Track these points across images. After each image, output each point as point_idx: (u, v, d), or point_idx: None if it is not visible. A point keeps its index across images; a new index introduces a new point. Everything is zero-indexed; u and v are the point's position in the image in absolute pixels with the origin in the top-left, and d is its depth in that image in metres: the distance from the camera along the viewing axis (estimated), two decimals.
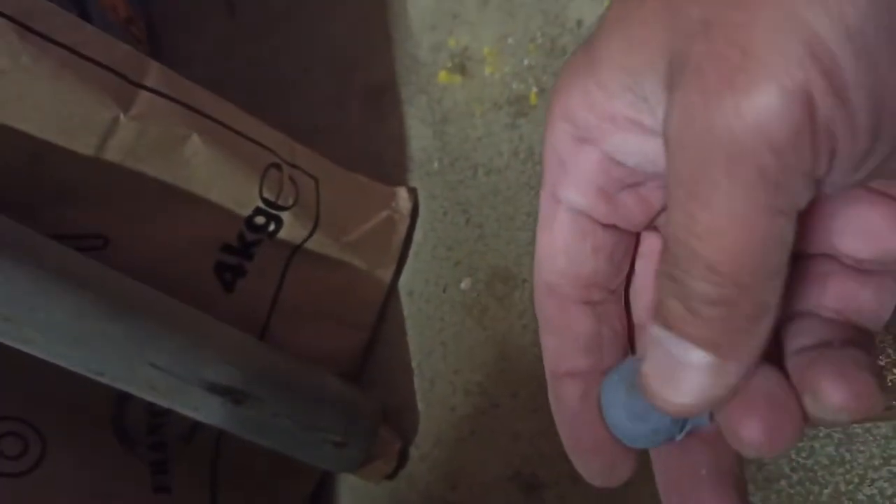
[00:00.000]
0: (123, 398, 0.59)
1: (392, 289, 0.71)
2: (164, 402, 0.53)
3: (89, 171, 0.54)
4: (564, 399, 0.24)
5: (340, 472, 0.63)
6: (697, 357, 0.19)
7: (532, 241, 0.66)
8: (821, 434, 0.46)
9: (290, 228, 0.63)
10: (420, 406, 0.65)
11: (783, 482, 0.47)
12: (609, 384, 0.23)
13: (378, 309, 0.70)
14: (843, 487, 0.44)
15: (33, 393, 0.52)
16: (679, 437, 0.22)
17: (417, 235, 0.72)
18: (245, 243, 0.62)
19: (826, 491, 0.45)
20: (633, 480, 0.53)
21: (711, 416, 0.22)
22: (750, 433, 0.19)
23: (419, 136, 0.76)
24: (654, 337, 0.20)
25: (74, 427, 0.54)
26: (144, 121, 0.53)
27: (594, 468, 0.24)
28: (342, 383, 0.61)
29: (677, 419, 0.22)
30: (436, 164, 0.74)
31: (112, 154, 0.54)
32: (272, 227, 0.62)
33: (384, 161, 0.77)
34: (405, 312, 0.70)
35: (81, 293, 0.48)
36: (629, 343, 0.25)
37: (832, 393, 0.19)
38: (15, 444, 0.51)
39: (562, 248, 0.23)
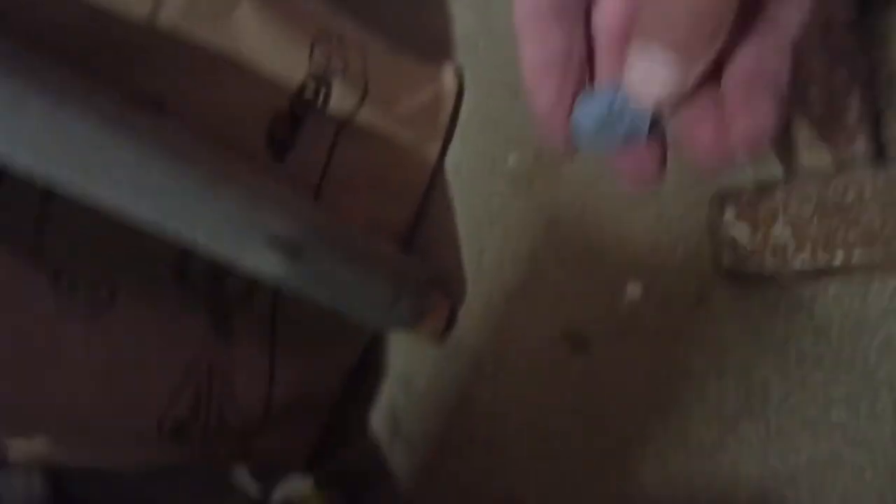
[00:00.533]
0: (187, 252, 0.61)
1: (439, 165, 0.72)
2: (225, 256, 0.55)
3: (144, 33, 0.55)
4: (541, 102, 0.33)
5: (392, 329, 0.66)
6: (671, 57, 0.26)
7: None
8: (874, 286, 0.46)
9: (339, 99, 0.63)
10: (470, 273, 0.67)
11: (833, 330, 0.47)
12: (585, 104, 0.32)
13: (426, 184, 0.71)
14: (895, 334, 0.45)
15: (103, 239, 0.55)
16: (643, 136, 0.31)
17: (463, 114, 0.72)
18: (295, 114, 0.63)
19: (877, 338, 0.45)
20: (683, 333, 0.54)
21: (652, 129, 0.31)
22: (701, 133, 0.29)
23: (462, 21, 0.75)
24: (637, 48, 0.27)
25: (143, 275, 0.57)
26: None
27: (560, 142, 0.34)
28: (393, 248, 0.63)
29: (638, 129, 0.30)
30: (481, 44, 0.73)
31: (166, 15, 0.55)
32: (321, 97, 0.63)
33: (430, 41, 0.76)
34: (454, 188, 0.71)
35: (142, 141, 0.50)
36: (590, 66, 0.33)
37: (738, 122, 0.27)
38: (87, 288, 0.54)
39: None
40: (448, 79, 0.72)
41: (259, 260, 0.55)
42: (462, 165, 0.71)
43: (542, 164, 0.62)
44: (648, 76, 0.27)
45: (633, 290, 0.55)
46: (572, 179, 0.61)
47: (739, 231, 0.45)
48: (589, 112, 0.32)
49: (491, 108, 0.68)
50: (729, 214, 0.46)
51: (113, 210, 0.51)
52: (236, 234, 0.54)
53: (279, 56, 0.60)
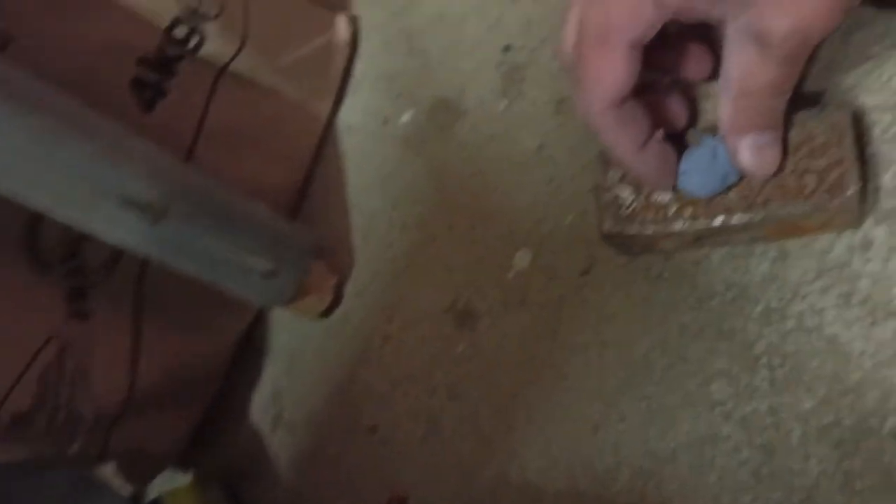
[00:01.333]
0: (35, 220, 0.55)
1: (330, 123, 0.67)
2: (73, 219, 0.49)
3: None
4: (623, 141, 0.40)
5: (270, 304, 0.61)
6: (769, 137, 0.39)
7: (478, 69, 0.62)
8: (756, 252, 0.45)
9: (215, 44, 0.57)
10: (357, 243, 0.63)
11: (715, 300, 0.46)
12: (692, 155, 0.41)
13: (315, 144, 0.67)
14: (774, 304, 0.44)
15: None
16: (735, 179, 0.41)
17: (357, 67, 0.68)
18: (165, 58, 0.56)
19: (758, 308, 0.44)
20: (567, 305, 0.51)
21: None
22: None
23: None
24: (746, 138, 0.38)
25: None
26: None
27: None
28: (272, 213, 0.58)
29: (734, 173, 0.41)
30: None
31: None
32: (195, 40, 0.57)
33: None
34: (343, 148, 0.66)
35: None
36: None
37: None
38: None
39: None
40: (342, 28, 0.67)
41: (113, 223, 0.49)
42: (353, 124, 0.66)
43: (435, 124, 0.59)
44: (761, 156, 0.39)
45: (522, 259, 0.53)
46: (465, 141, 0.57)
47: (622, 192, 0.43)
48: (696, 162, 0.41)
49: (386, 61, 0.64)
50: (612, 175, 0.44)
51: None
52: (86, 193, 0.48)
53: None
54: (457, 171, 0.58)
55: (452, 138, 0.59)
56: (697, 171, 0.41)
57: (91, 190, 0.48)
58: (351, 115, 0.67)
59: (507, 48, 0.58)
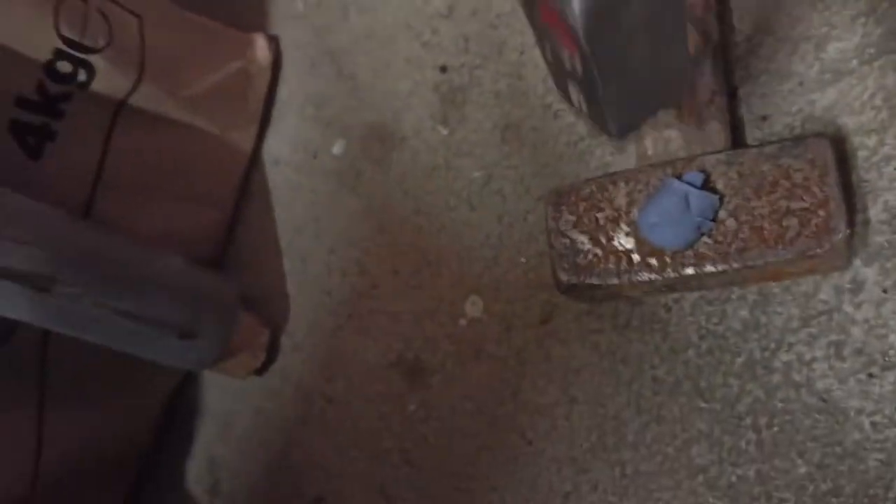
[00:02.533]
0: None
1: (254, 157, 0.60)
2: None
3: None
4: None
5: (195, 367, 0.54)
6: None
7: (414, 92, 0.55)
8: (734, 296, 0.40)
9: (107, 78, 0.50)
10: (291, 291, 0.56)
11: (691, 352, 0.41)
12: (663, 205, 0.35)
13: (238, 181, 0.59)
14: (757, 355, 0.39)
15: None
16: (712, 223, 0.35)
17: (281, 92, 0.61)
18: (48, 97, 0.49)
19: (739, 360, 0.39)
20: (528, 359, 0.44)
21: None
22: None
23: None
24: None
25: None
26: None
27: None
28: (186, 264, 0.51)
29: (708, 216, 0.34)
30: (300, 6, 0.61)
31: None
32: (82, 75, 0.49)
33: (237, 4, 0.63)
34: (270, 184, 0.59)
35: None
36: None
37: None
38: None
39: None
40: (260, 50, 0.60)
41: None
42: (281, 157, 0.59)
43: (370, 155, 0.52)
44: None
45: (474, 306, 0.47)
46: (405, 172, 0.51)
47: (578, 238, 0.38)
48: (666, 213, 0.35)
49: (313, 84, 0.57)
50: (566, 219, 0.38)
51: None
52: None
53: (13, 20, 0.46)
54: (397, 207, 0.52)
55: (390, 170, 0.53)
56: (669, 223, 0.35)
57: None
58: (277, 146, 0.60)
59: (444, 68, 0.52)
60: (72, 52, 0.48)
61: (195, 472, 0.60)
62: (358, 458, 0.51)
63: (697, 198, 0.34)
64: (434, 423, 0.48)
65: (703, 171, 0.36)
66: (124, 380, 0.55)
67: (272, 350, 0.56)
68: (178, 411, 0.61)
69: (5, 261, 0.41)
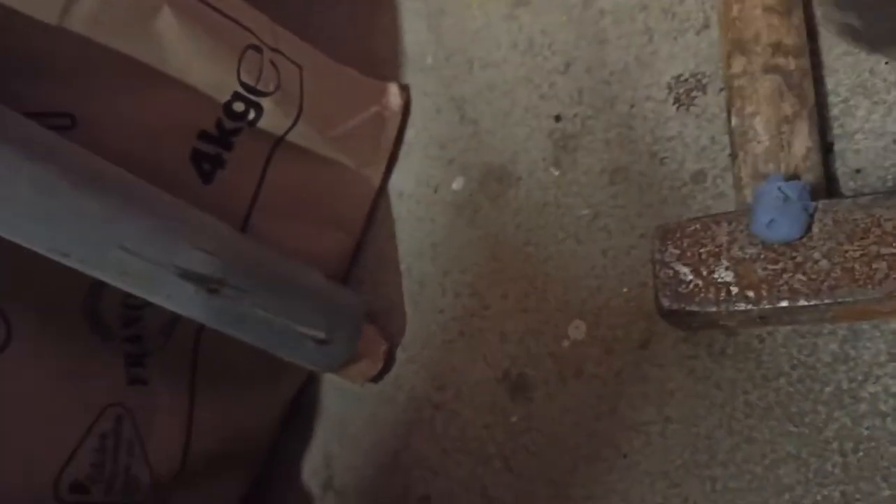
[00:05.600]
0: (98, 287, 0.56)
1: (382, 189, 0.68)
2: (134, 289, 0.50)
3: (54, 41, 0.50)
4: None
5: (322, 370, 0.61)
6: None
7: (530, 137, 0.62)
8: (825, 331, 0.43)
9: (272, 117, 0.59)
10: (408, 309, 0.63)
11: (782, 380, 0.45)
12: (769, 202, 0.40)
13: (367, 210, 0.67)
14: (845, 385, 0.42)
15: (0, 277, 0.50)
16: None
17: (409, 134, 0.69)
18: (223, 131, 0.58)
19: (828, 389, 0.43)
20: (626, 379, 0.50)
21: None
22: None
23: (413, 29, 0.72)
24: None
25: (43, 313, 0.51)
26: None
27: None
28: (326, 279, 0.59)
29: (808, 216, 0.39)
30: (430, 60, 0.69)
31: (76, 23, 0.50)
32: (252, 114, 0.58)
33: (375, 56, 0.73)
34: (395, 214, 0.67)
35: (46, 166, 0.45)
36: None
37: None
38: None
39: None
40: (393, 97, 0.68)
41: (172, 295, 0.50)
42: (405, 190, 0.67)
43: (487, 191, 0.59)
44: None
45: (577, 329, 0.52)
46: (519, 208, 0.57)
47: (681, 269, 0.43)
48: (777, 209, 0.39)
49: (437, 128, 0.65)
50: (671, 251, 0.43)
51: (6, 236, 0.46)
52: (146, 266, 0.49)
53: (206, 67, 0.55)
54: (509, 238, 0.58)
55: (504, 205, 0.59)
56: (780, 216, 0.39)
57: (150, 263, 0.50)
58: (403, 180, 0.67)
59: (558, 117, 0.58)
60: (247, 94, 0.57)
61: (311, 467, 0.66)
62: (462, 462, 0.57)
63: (789, 185, 0.39)
64: (535, 434, 0.53)
65: None
66: (260, 377, 0.62)
67: (388, 360, 0.63)
68: (299, 410, 0.68)
69: (189, 265, 0.50)
